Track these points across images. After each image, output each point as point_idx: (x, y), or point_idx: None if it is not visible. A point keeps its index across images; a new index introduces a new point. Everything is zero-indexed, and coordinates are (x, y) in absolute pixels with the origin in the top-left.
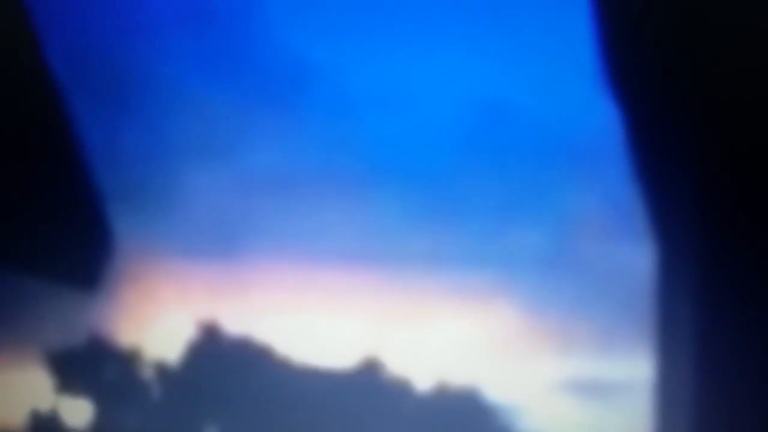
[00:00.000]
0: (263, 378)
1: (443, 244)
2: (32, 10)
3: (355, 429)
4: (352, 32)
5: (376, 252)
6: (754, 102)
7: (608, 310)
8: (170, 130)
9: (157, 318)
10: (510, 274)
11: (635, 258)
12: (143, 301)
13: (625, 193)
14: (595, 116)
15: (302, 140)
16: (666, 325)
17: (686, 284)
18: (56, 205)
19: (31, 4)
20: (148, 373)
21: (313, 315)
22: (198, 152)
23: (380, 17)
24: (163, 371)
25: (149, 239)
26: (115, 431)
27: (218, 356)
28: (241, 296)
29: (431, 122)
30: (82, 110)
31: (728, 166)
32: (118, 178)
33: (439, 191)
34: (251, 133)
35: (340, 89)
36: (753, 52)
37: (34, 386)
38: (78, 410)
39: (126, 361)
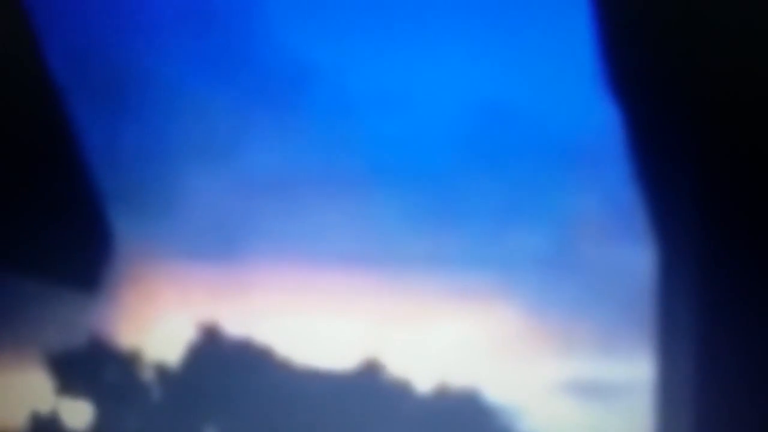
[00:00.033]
0: (263, 379)
1: (443, 245)
2: (32, 11)
3: (355, 430)
4: (352, 33)
5: (377, 253)
6: (754, 102)
7: (609, 311)
8: (170, 130)
9: (158, 320)
10: (510, 275)
11: (636, 259)
12: (143, 302)
13: (626, 194)
14: (596, 117)
15: (302, 141)
16: (666, 326)
17: (686, 285)
18: (56, 207)
19: (31, 4)
20: (148, 375)
21: (314, 316)
22: (198, 153)
23: (380, 18)
24: (163, 373)
25: (149, 240)
26: None
27: (219, 358)
28: (241, 298)
29: (431, 123)
30: (81, 111)
31: (728, 166)
32: (118, 179)
33: (439, 192)
34: (251, 133)
35: (341, 90)
36: (752, 52)
37: (35, 388)
38: (78, 412)
39: (126, 363)
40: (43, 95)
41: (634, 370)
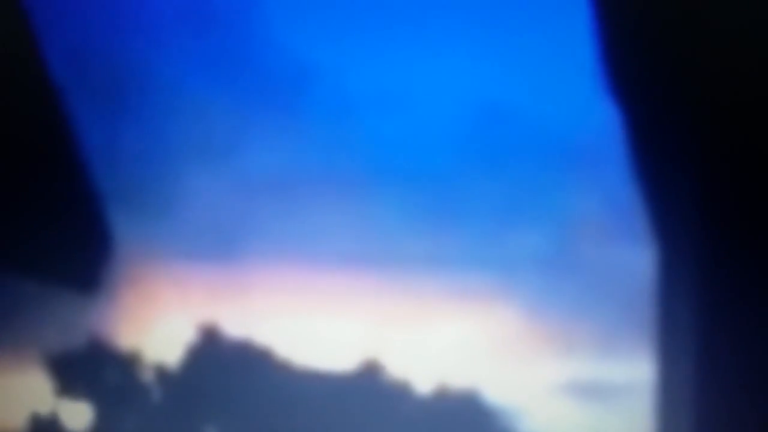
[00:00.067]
0: (263, 381)
1: (443, 246)
2: (32, 11)
3: (355, 431)
4: (352, 33)
5: (376, 254)
6: (754, 103)
7: (609, 312)
8: (170, 131)
9: (157, 321)
10: (510, 276)
11: (635, 259)
12: (143, 303)
13: (626, 195)
14: (596, 118)
15: (302, 142)
16: (666, 327)
17: (687, 285)
18: (55, 207)
19: (30, 4)
20: (147, 376)
21: (313, 317)
22: (197, 153)
23: (380, 18)
24: (163, 374)
25: (149, 241)
26: None
27: (218, 359)
28: (240, 299)
29: (431, 124)
30: (81, 111)
31: (728, 167)
32: (118, 179)
33: (439, 193)
34: (251, 134)
35: (340, 90)
36: (752, 53)
37: (34, 389)
38: (78, 413)
39: (126, 364)
40: (42, 95)
41: (634, 370)
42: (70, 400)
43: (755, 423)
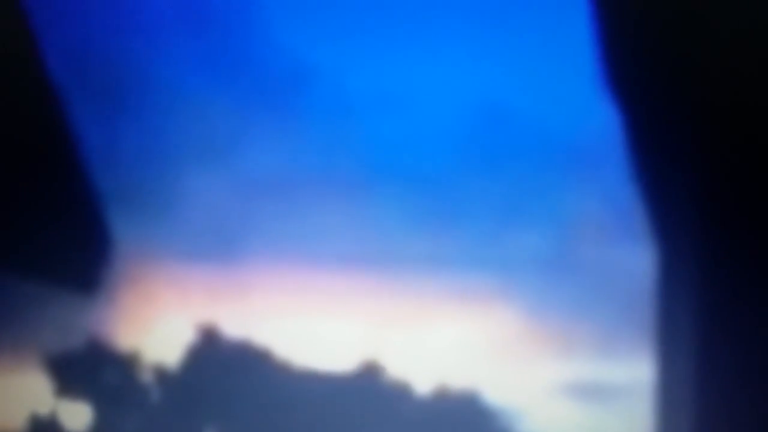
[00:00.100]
0: (262, 381)
1: (443, 246)
2: (31, 12)
3: None
4: (351, 34)
5: (376, 255)
6: (754, 104)
7: (608, 313)
8: (169, 131)
9: (157, 321)
10: (510, 277)
11: (635, 260)
12: (142, 304)
13: (625, 196)
14: (595, 119)
15: (301, 142)
16: (666, 327)
17: (686, 286)
18: (55, 208)
19: (30, 5)
20: (147, 377)
21: (313, 318)
22: (197, 154)
23: (379, 19)
24: (162, 374)
25: (148, 242)
26: None
27: (217, 359)
28: (240, 299)
29: (430, 124)
30: (80, 112)
31: (728, 167)
32: (117, 180)
33: (438, 194)
34: (250, 134)
35: (339, 91)
36: (752, 53)
37: (34, 389)
38: (77, 413)
39: (125, 365)
40: (42, 96)
41: (634, 371)
42: (70, 400)
43: (755, 423)
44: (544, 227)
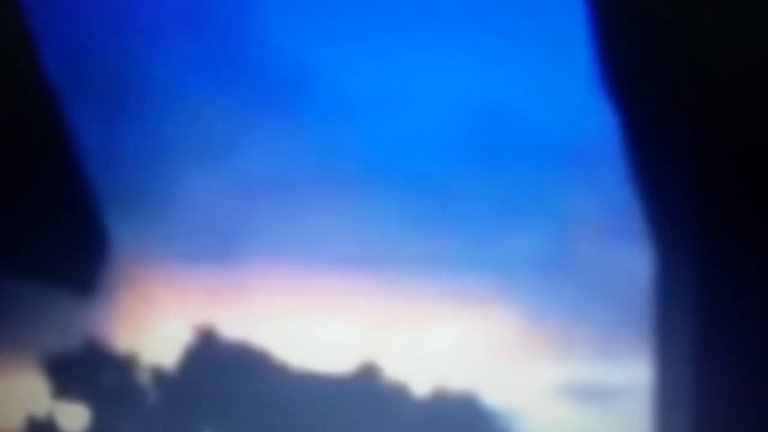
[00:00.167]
0: (261, 382)
1: (441, 247)
2: (30, 13)
3: None
4: (350, 35)
5: (374, 256)
6: (752, 105)
7: (607, 314)
8: (167, 133)
9: (155, 322)
10: (508, 278)
11: (633, 261)
12: (140, 305)
13: (623, 197)
14: (593, 120)
15: (299, 143)
16: (664, 329)
17: (684, 287)
18: (53, 209)
19: (28, 6)
20: (145, 378)
21: (311, 319)
22: (195, 155)
23: (377, 21)
24: (160, 376)
25: (146, 243)
26: None
27: (215, 361)
28: (238, 300)
29: (429, 126)
30: (79, 113)
31: (725, 168)
32: (115, 181)
33: (436, 195)
34: (248, 136)
35: (338, 92)
36: (749, 55)
37: (31, 391)
38: (75, 415)
39: (123, 366)
40: (40, 97)
41: (632, 373)
42: (67, 402)
43: (753, 424)
44: (543, 228)
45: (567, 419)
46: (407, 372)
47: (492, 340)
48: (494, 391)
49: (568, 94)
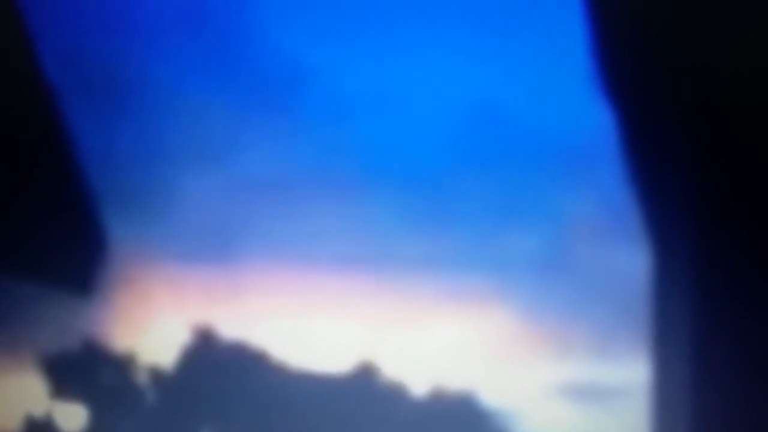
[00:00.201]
0: (259, 382)
1: (439, 247)
2: (28, 13)
3: None
4: (348, 36)
5: (372, 256)
6: (750, 105)
7: (604, 314)
8: (166, 133)
9: (152, 322)
10: (506, 278)
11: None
12: (138, 305)
13: (621, 197)
14: (591, 120)
15: (298, 144)
16: (662, 328)
17: (682, 287)
18: (51, 209)
19: (27, 6)
20: (143, 378)
21: (309, 319)
22: (193, 155)
23: (376, 22)
24: (158, 376)
25: (144, 243)
26: None
27: (213, 361)
28: (236, 300)
29: (427, 126)
30: (78, 113)
31: (722, 168)
32: (113, 181)
33: (434, 195)
34: (247, 136)
35: (336, 93)
36: (747, 55)
37: (29, 391)
38: (73, 415)
39: (121, 366)
40: (39, 97)
41: (630, 372)
42: (65, 401)
43: (751, 424)
44: (541, 229)
45: (564, 419)
46: (405, 371)
47: (490, 339)
48: (492, 391)
49: (566, 94)
